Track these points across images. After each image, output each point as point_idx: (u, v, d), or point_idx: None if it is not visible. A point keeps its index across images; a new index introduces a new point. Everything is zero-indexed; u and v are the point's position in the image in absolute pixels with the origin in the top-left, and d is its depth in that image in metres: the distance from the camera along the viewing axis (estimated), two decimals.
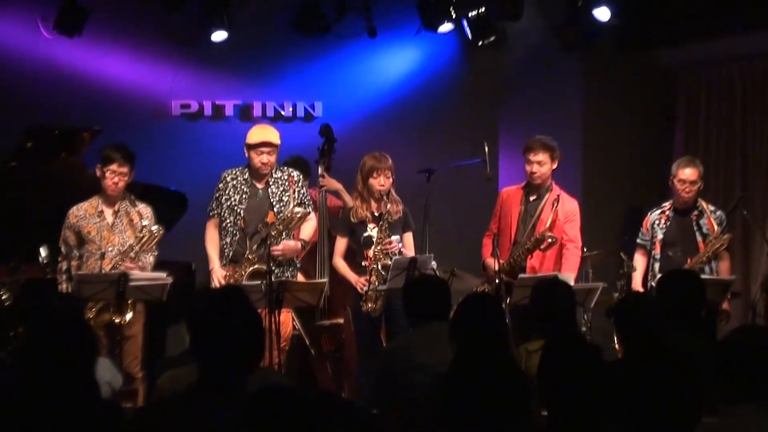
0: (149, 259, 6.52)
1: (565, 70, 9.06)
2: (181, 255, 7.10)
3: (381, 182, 6.71)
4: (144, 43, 8.41)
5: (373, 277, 6.60)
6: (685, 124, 9.17)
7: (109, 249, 6.45)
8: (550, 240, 6.66)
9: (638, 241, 7.20)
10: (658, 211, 7.11)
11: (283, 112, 8.82)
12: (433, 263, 6.56)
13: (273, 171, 6.71)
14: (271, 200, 6.68)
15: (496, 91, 9.20)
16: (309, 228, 6.82)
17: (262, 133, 6.71)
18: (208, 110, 8.72)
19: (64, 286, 6.45)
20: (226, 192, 6.69)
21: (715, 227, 6.87)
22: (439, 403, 2.90)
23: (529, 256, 6.79)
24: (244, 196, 6.69)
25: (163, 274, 6.33)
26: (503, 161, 8.84)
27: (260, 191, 6.71)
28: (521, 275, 6.57)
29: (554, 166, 6.92)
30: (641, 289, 6.94)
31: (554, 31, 8.72)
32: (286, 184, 6.65)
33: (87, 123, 7.37)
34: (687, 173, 6.95)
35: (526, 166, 6.93)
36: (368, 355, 6.47)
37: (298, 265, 6.80)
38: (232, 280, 6.51)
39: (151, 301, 6.39)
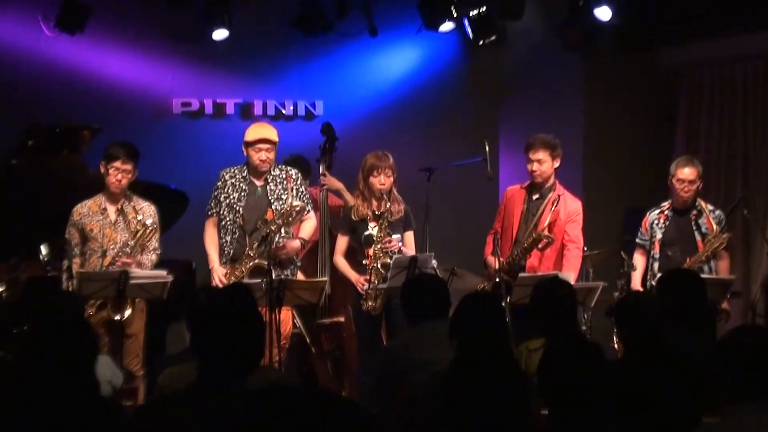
0: (151, 257, 6.53)
1: (566, 70, 9.06)
2: (181, 253, 7.10)
3: (381, 181, 6.71)
4: (145, 42, 8.41)
5: (374, 276, 6.60)
6: (686, 124, 9.16)
7: (111, 247, 6.45)
8: (546, 240, 6.65)
9: (637, 240, 7.19)
10: (657, 211, 7.10)
11: (284, 111, 8.82)
12: (434, 262, 6.56)
13: (271, 169, 6.72)
14: (270, 198, 6.68)
15: (497, 91, 9.20)
16: (309, 227, 6.83)
17: (259, 130, 6.73)
18: (209, 108, 8.72)
19: (65, 284, 6.45)
20: (225, 190, 6.69)
21: (714, 227, 6.86)
22: (439, 402, 2.90)
23: (528, 255, 6.79)
24: (242, 194, 6.69)
25: (163, 273, 6.33)
26: (504, 160, 8.85)
27: (259, 189, 6.71)
28: (521, 274, 6.56)
29: (556, 165, 6.90)
30: (640, 289, 6.93)
31: (555, 31, 8.73)
32: (285, 182, 6.66)
33: (88, 121, 7.38)
34: (686, 173, 6.94)
35: (527, 165, 6.94)
36: (369, 353, 6.47)
37: (298, 264, 6.81)
38: (232, 278, 6.52)
39: (152, 299, 6.39)
